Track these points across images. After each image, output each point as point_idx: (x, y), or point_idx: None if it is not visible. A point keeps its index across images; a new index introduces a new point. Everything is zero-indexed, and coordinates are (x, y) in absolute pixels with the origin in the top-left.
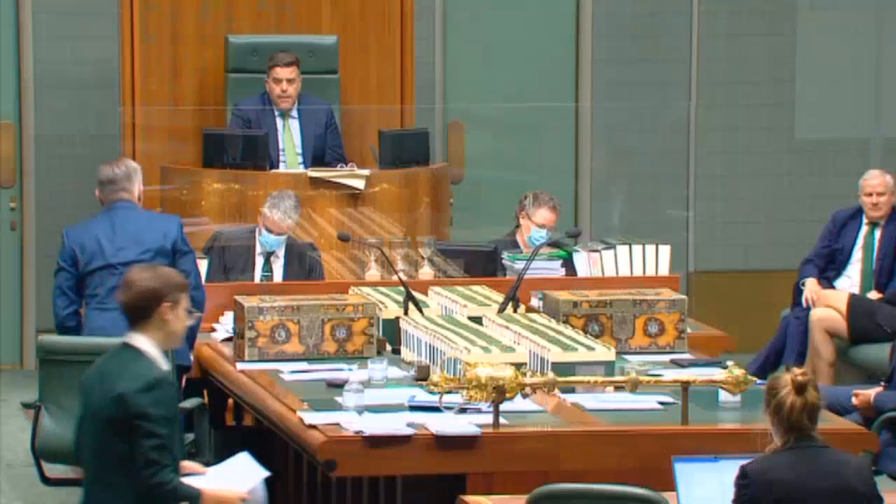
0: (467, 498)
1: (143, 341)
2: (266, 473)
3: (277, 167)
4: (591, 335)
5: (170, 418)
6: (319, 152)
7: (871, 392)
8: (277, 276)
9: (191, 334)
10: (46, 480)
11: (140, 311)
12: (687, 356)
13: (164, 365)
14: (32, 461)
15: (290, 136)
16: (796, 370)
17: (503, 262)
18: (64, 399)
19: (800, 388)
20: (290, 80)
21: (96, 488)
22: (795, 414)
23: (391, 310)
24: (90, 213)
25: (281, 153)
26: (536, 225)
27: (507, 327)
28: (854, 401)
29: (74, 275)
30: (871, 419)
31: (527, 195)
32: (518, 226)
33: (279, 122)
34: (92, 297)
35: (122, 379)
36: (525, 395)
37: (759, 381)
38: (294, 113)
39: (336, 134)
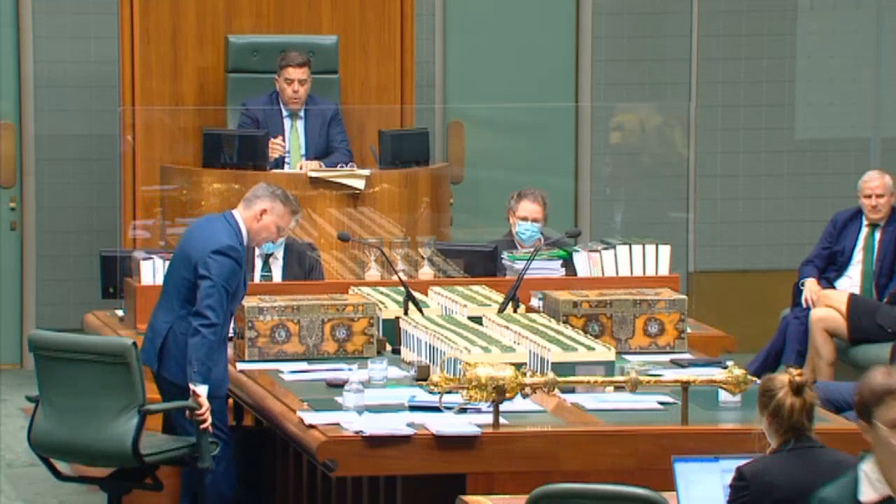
0: (467, 498)
1: None
2: None
3: (282, 167)
4: (591, 335)
5: None
6: (322, 153)
7: None
8: (276, 276)
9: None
10: (59, 476)
11: None
12: (687, 356)
13: None
14: (32, 461)
15: (296, 137)
16: (793, 370)
17: (503, 262)
18: (53, 396)
19: (797, 389)
20: (301, 81)
21: None
22: (795, 415)
23: (391, 310)
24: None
25: (287, 154)
26: (520, 218)
27: (507, 327)
28: None
29: None
30: None
31: (512, 195)
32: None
33: (287, 122)
34: None
35: None
36: (525, 395)
37: (758, 381)
38: (302, 113)
39: (343, 132)
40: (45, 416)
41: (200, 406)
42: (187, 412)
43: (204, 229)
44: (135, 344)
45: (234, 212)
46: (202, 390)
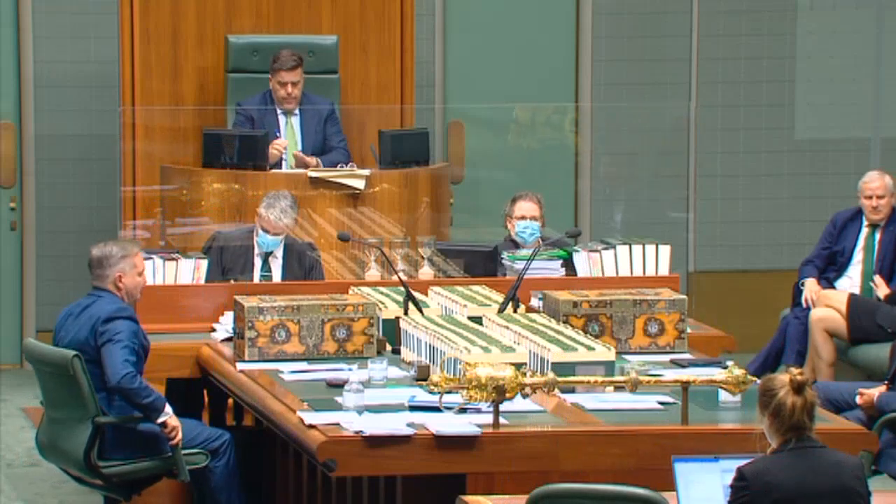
0: (467, 498)
1: None
2: None
3: (280, 167)
4: (591, 335)
5: None
6: (318, 150)
7: (875, 392)
8: (276, 276)
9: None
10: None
11: None
12: (687, 356)
13: None
14: (32, 461)
15: (292, 135)
16: (793, 370)
17: (503, 261)
18: (45, 403)
19: (798, 388)
20: (294, 83)
21: None
22: (797, 414)
23: (391, 310)
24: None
25: (283, 152)
26: (518, 219)
27: (507, 327)
28: (858, 400)
29: None
30: (874, 418)
31: (507, 202)
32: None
33: (282, 120)
34: None
35: None
36: (525, 395)
37: (758, 381)
38: (297, 110)
39: (339, 131)
40: (42, 422)
41: (168, 426)
42: (163, 430)
43: (77, 317)
44: (77, 356)
45: (95, 291)
46: (167, 414)
